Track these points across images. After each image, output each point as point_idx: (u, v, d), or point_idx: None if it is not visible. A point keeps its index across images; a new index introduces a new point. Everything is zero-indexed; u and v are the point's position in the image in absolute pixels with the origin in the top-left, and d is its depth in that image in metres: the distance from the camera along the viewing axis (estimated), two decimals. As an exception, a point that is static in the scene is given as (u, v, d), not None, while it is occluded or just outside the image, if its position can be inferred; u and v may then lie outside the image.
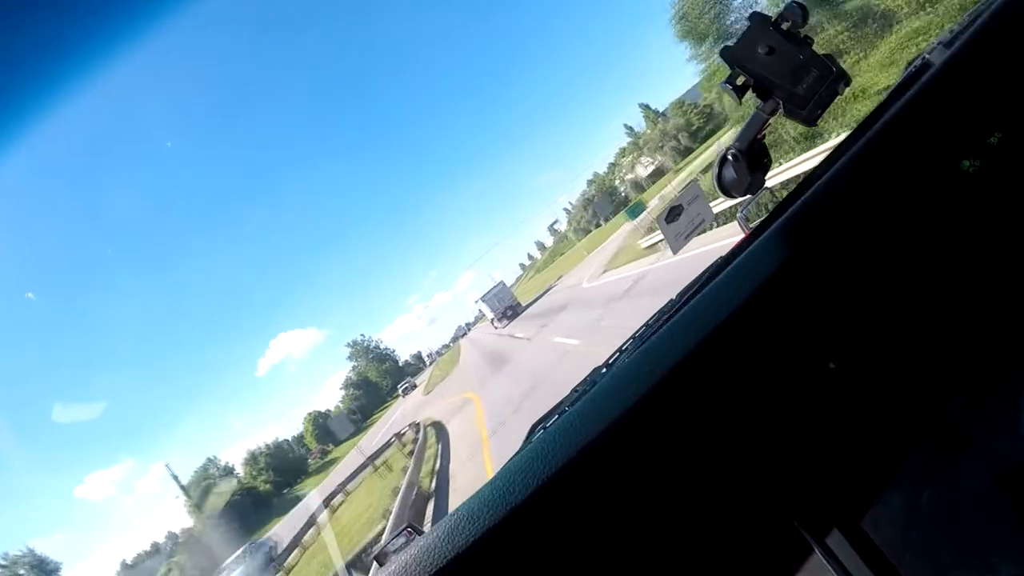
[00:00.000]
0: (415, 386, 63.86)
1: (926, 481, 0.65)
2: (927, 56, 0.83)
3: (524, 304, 36.95)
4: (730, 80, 0.74)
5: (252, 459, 72.13)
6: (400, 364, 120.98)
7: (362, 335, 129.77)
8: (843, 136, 0.88)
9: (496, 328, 35.07)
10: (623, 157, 64.05)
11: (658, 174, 54.63)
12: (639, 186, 56.93)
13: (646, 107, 56.35)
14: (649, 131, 55.56)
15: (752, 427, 0.68)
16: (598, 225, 72.19)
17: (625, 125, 63.35)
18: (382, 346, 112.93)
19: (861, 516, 0.66)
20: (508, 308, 34.76)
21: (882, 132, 0.66)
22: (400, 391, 67.39)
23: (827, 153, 0.82)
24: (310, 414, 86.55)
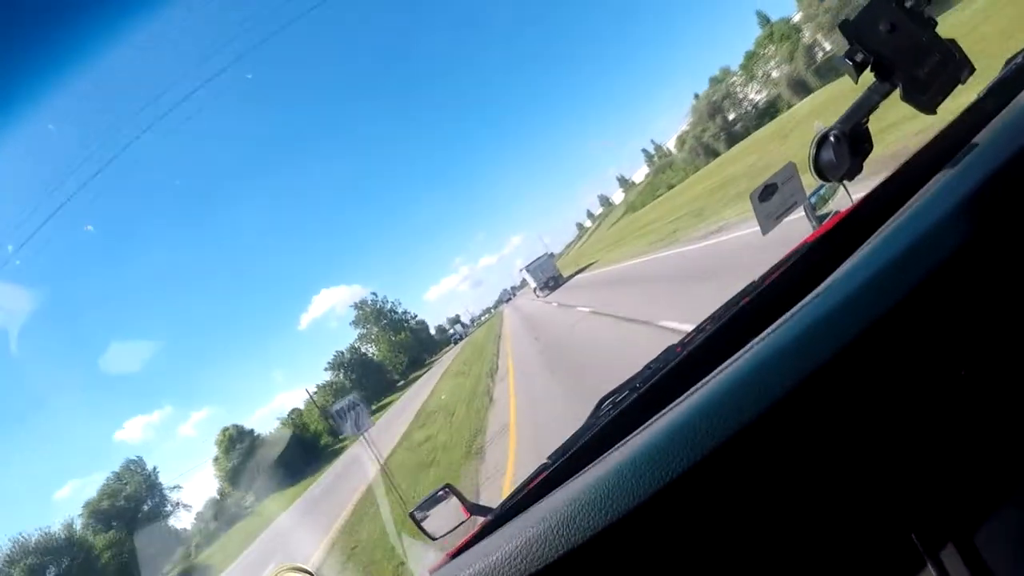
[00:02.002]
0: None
1: None
2: None
3: (566, 275, 37.53)
4: (849, 55, 0.71)
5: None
6: (432, 332, 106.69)
7: (373, 294, 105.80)
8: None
9: (537, 296, 35.91)
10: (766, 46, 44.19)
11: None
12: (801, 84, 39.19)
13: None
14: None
15: (879, 435, 0.65)
16: (733, 139, 48.08)
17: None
18: (400, 310, 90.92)
19: (975, 531, 0.63)
20: (550, 279, 35.46)
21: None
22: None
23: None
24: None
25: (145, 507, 54.97)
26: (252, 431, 63.11)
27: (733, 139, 48.93)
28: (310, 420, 62.97)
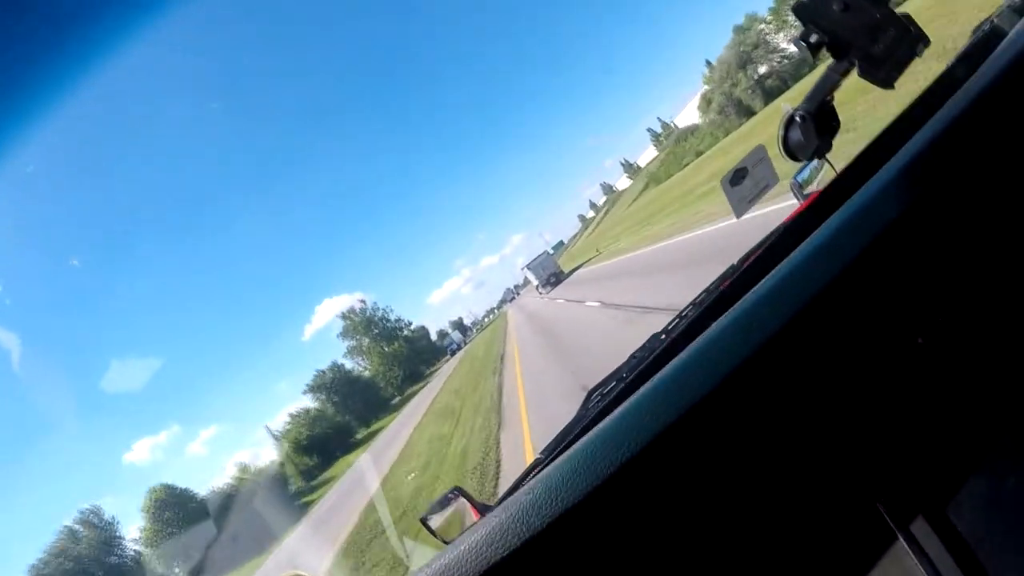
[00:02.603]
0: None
1: (1013, 468, 0.62)
2: (995, 21, 0.79)
3: (567, 271, 38.16)
4: (804, 37, 0.72)
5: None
6: (433, 338, 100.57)
7: (362, 300, 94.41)
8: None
9: (540, 294, 36.21)
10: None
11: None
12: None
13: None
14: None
15: (839, 405, 0.65)
16: (767, 95, 42.43)
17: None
18: (392, 317, 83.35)
19: (946, 502, 0.63)
20: (552, 275, 36.06)
21: (983, 93, 0.62)
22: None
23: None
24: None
25: (99, 573, 44.97)
26: (188, 491, 51.90)
27: (768, 95, 43.42)
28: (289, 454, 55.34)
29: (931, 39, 0.70)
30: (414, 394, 61.35)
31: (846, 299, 0.62)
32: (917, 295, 0.65)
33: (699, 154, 52.97)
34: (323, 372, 73.03)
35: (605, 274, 20.30)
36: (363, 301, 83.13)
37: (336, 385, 71.62)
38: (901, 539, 0.64)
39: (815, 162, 1.11)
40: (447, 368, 55.80)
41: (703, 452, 0.62)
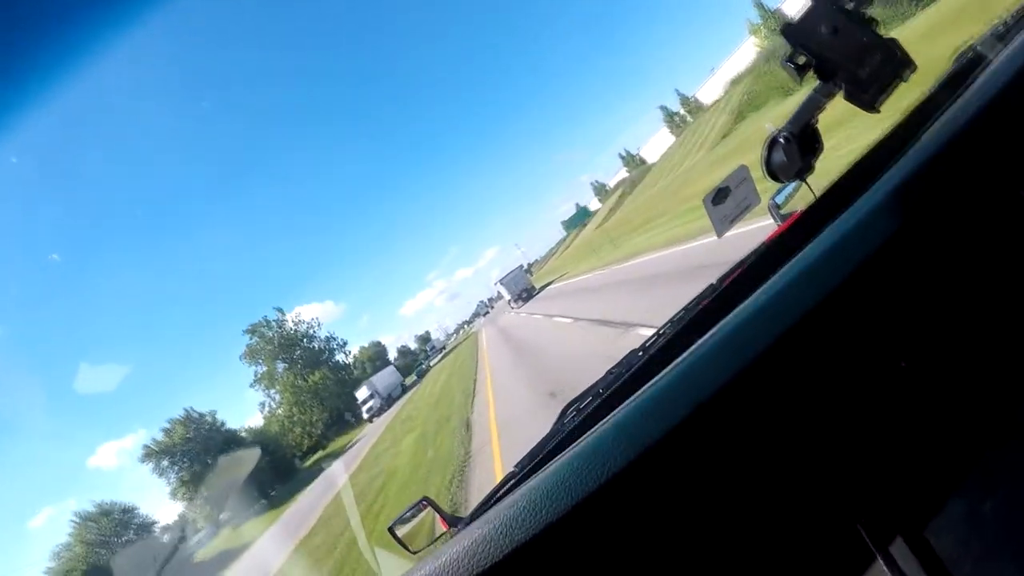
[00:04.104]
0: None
1: (991, 490, 0.63)
2: (978, 48, 0.80)
3: (538, 287, 38.96)
4: (791, 59, 0.72)
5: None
6: (392, 358, 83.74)
7: (265, 318, 60.43)
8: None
9: (512, 308, 36.79)
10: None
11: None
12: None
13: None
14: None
15: (821, 427, 0.65)
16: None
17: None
18: (320, 335, 62.82)
19: (925, 523, 0.63)
20: (523, 291, 36.87)
21: (965, 121, 0.64)
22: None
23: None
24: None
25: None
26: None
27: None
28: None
29: (917, 64, 0.70)
30: (333, 456, 42.56)
31: (829, 324, 0.63)
32: (901, 319, 0.65)
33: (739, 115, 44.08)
34: (169, 429, 44.33)
35: (570, 290, 21.55)
36: (280, 310, 60.93)
37: (191, 453, 44.34)
38: (880, 560, 0.64)
39: (793, 184, 1.12)
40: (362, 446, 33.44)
41: (685, 472, 0.63)
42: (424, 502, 1.36)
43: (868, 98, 0.70)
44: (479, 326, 50.83)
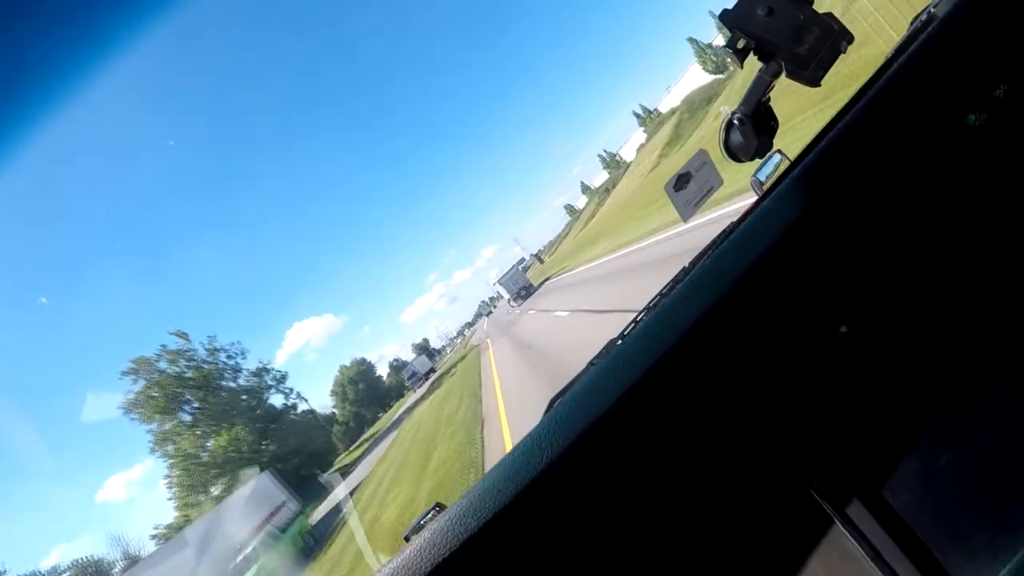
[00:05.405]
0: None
1: (944, 445, 0.64)
2: (932, 10, 0.82)
3: (536, 284, 38.76)
4: (730, 44, 0.73)
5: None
6: (383, 375, 75.23)
7: (163, 347, 36.36)
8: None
9: (512, 307, 36.49)
10: None
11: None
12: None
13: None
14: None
15: (764, 393, 0.67)
16: None
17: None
18: (248, 366, 41.14)
19: (881, 483, 0.65)
20: (522, 289, 36.80)
21: (888, 86, 0.65)
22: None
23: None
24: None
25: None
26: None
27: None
28: None
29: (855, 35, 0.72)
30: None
31: (763, 291, 0.64)
32: (836, 285, 0.67)
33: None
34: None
35: (568, 283, 21.20)
36: (184, 335, 37.68)
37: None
38: (838, 522, 0.65)
39: (775, 159, 1.14)
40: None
41: (635, 442, 0.64)
42: (437, 508, 1.37)
43: (808, 74, 0.71)
44: (482, 333, 45.05)
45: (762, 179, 1.27)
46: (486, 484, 0.64)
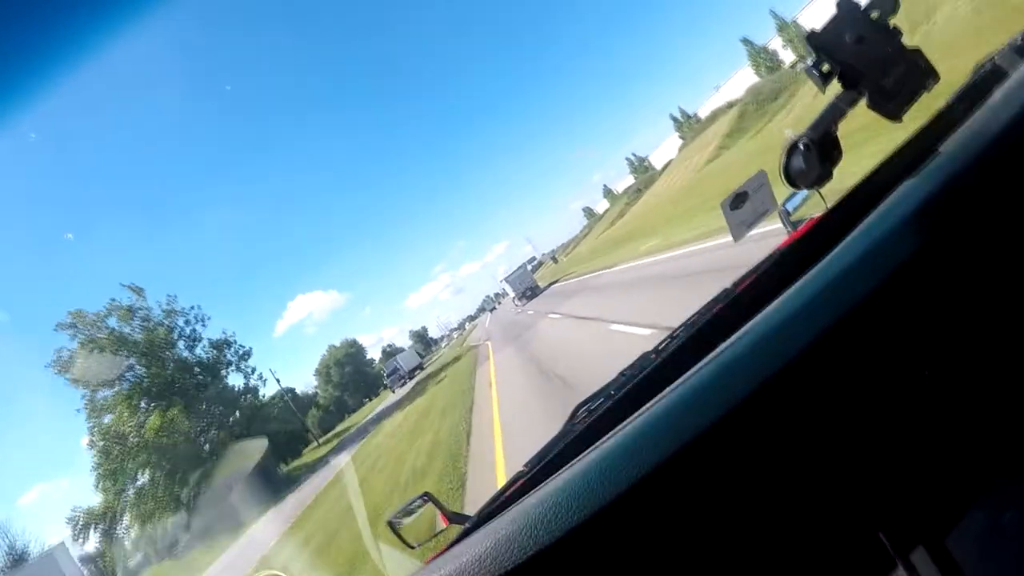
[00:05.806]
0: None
1: (1009, 503, 0.63)
2: (997, 60, 0.80)
3: (543, 286, 38.76)
4: (816, 66, 0.72)
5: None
6: (372, 360, 70.26)
7: (112, 301, 30.47)
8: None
9: (517, 306, 36.59)
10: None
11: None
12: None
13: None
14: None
15: (843, 436, 0.65)
16: None
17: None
18: (209, 336, 35.71)
19: (946, 532, 0.64)
20: (528, 289, 36.93)
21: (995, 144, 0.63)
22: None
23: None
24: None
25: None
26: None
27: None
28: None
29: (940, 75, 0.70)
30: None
31: (854, 335, 0.62)
32: (925, 330, 0.65)
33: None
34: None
35: (571, 290, 21.60)
36: (138, 289, 32.26)
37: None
38: (901, 567, 0.64)
39: (803, 192, 1.12)
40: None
41: (703, 483, 0.62)
42: (424, 497, 1.36)
43: (892, 107, 0.70)
44: (482, 332, 42.07)
45: (790, 210, 1.26)
46: (541, 506, 0.61)
